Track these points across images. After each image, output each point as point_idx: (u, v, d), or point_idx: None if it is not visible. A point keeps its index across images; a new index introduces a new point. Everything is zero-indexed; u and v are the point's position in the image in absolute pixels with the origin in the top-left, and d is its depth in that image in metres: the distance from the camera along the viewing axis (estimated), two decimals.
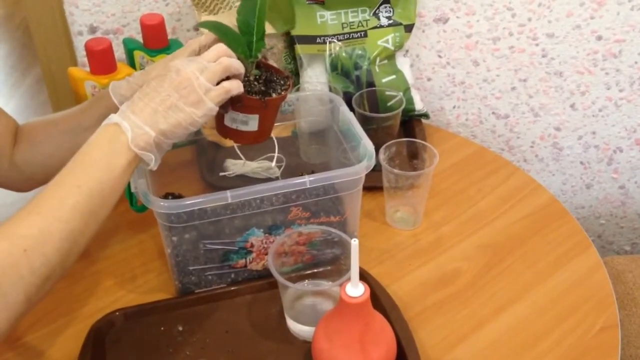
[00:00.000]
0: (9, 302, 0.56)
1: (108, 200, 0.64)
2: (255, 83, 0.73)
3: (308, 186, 0.76)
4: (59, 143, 0.77)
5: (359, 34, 1.06)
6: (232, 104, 0.71)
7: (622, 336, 0.90)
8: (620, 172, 1.26)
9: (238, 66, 0.69)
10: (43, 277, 0.58)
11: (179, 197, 0.87)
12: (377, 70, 1.07)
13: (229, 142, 0.83)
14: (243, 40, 0.72)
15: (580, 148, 1.23)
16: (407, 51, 1.11)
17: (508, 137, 1.24)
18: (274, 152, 0.95)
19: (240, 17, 0.73)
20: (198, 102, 0.66)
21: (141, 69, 0.92)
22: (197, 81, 0.65)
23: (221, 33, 0.72)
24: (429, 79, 1.19)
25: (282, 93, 0.73)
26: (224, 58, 0.68)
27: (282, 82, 0.75)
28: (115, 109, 0.72)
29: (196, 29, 1.14)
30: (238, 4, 1.04)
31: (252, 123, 0.73)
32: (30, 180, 0.81)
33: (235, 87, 0.68)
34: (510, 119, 1.21)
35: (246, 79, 0.72)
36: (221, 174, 0.96)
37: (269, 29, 1.04)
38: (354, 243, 0.62)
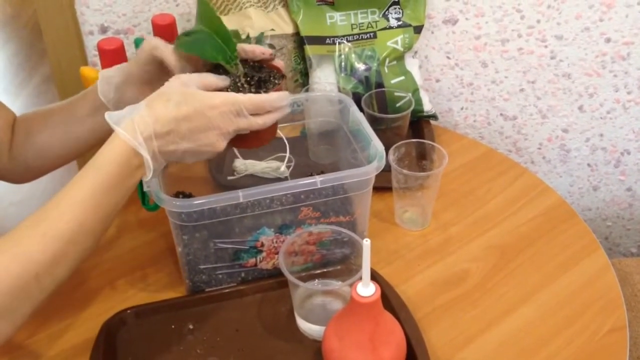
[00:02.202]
0: (16, 317, 0.60)
1: (114, 215, 0.67)
2: (246, 85, 0.71)
3: (319, 186, 0.76)
4: (54, 133, 0.79)
5: (368, 35, 1.07)
6: None
7: (629, 338, 0.90)
8: (627, 175, 1.26)
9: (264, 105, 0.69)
10: (50, 292, 0.62)
11: (190, 196, 0.88)
12: (386, 71, 1.07)
13: None
14: (222, 46, 0.70)
15: (588, 150, 1.23)
16: (416, 52, 1.11)
17: (516, 138, 1.24)
18: (283, 153, 0.95)
19: (205, 26, 0.72)
20: (216, 144, 0.68)
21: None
22: (226, 134, 0.68)
23: (198, 50, 0.70)
24: (437, 80, 1.19)
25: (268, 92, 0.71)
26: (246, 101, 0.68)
27: (275, 81, 0.73)
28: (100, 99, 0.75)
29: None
30: (249, 4, 1.05)
31: None
32: (28, 171, 0.83)
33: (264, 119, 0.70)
34: (518, 120, 1.22)
35: (235, 82, 0.71)
36: (229, 177, 0.97)
37: (278, 29, 1.05)
38: (366, 243, 0.63)
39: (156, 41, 0.73)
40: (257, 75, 0.73)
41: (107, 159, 0.64)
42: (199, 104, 0.65)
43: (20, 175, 0.83)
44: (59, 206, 0.62)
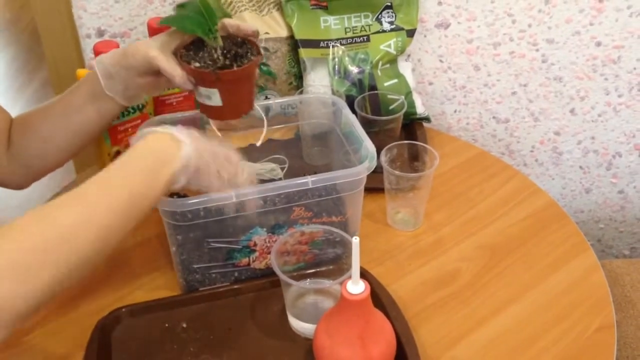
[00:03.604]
0: (33, 283, 0.55)
1: (145, 206, 0.64)
2: (221, 58, 0.75)
3: (310, 186, 0.77)
4: (53, 126, 0.79)
5: (361, 38, 1.08)
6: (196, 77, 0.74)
7: (618, 337, 0.92)
8: (619, 177, 1.27)
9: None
10: (73, 266, 0.58)
11: (184, 196, 0.89)
12: (380, 74, 1.08)
13: (232, 142, 0.85)
14: (202, 20, 0.74)
15: (580, 153, 1.25)
16: (409, 56, 1.12)
17: (508, 141, 1.25)
18: (278, 154, 0.97)
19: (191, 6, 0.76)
20: (230, 184, 0.71)
21: None
22: (243, 171, 0.72)
23: (179, 24, 0.75)
24: (430, 83, 1.20)
25: (240, 66, 0.75)
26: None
27: (251, 57, 0.76)
28: (99, 86, 0.76)
29: None
30: (244, 8, 1.06)
31: (214, 98, 0.75)
32: (28, 171, 0.82)
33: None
34: (511, 123, 1.23)
35: (209, 54, 0.75)
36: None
37: (273, 32, 1.06)
38: (355, 241, 0.64)
39: (155, 52, 0.74)
40: (235, 49, 0.77)
41: (142, 149, 0.65)
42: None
43: (20, 176, 0.83)
44: (89, 185, 0.61)
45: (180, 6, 0.76)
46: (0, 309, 0.53)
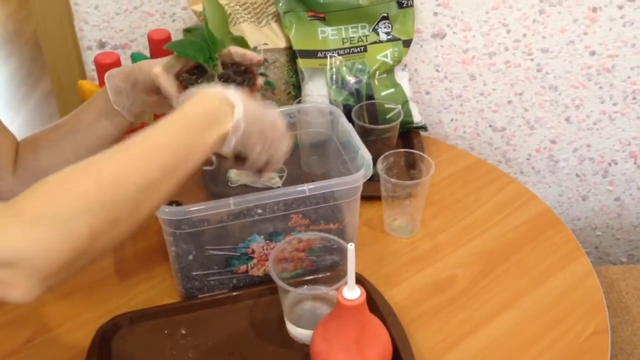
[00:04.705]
0: (70, 230, 0.53)
1: (190, 165, 0.62)
2: (219, 85, 0.76)
3: (307, 194, 0.78)
4: (62, 145, 0.80)
5: (358, 48, 1.10)
6: None
7: (614, 343, 0.93)
8: (615, 185, 1.28)
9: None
10: (112, 217, 0.56)
11: (180, 205, 0.90)
12: (377, 83, 1.10)
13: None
14: (205, 47, 0.76)
15: (576, 160, 1.26)
16: (405, 65, 1.14)
17: (505, 149, 1.27)
18: None
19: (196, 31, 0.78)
20: (269, 148, 0.71)
21: None
22: (284, 139, 0.72)
23: (182, 50, 0.76)
24: (427, 93, 1.22)
25: None
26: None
27: (247, 88, 0.78)
28: (110, 102, 0.76)
29: None
30: (242, 20, 1.08)
31: None
32: None
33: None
34: (507, 131, 1.24)
35: (207, 80, 0.76)
36: (230, 184, 0.99)
37: (271, 43, 1.08)
38: (350, 247, 0.65)
39: (159, 70, 0.75)
40: (234, 78, 0.78)
41: (192, 105, 0.64)
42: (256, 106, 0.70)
43: None
44: (133, 140, 0.60)
45: (187, 31, 0.78)
46: (41, 258, 0.51)
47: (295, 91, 1.12)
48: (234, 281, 0.84)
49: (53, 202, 0.53)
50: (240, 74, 0.79)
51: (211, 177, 1.00)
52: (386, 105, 1.07)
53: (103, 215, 0.55)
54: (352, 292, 0.66)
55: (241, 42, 0.81)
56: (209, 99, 0.65)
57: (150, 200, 0.59)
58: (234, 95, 0.66)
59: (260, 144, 0.70)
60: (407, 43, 1.11)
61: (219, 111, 0.65)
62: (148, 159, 0.59)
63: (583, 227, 1.34)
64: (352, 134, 0.87)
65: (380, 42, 1.10)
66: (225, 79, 0.77)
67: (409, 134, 1.12)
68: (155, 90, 0.77)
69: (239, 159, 0.73)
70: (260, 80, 0.79)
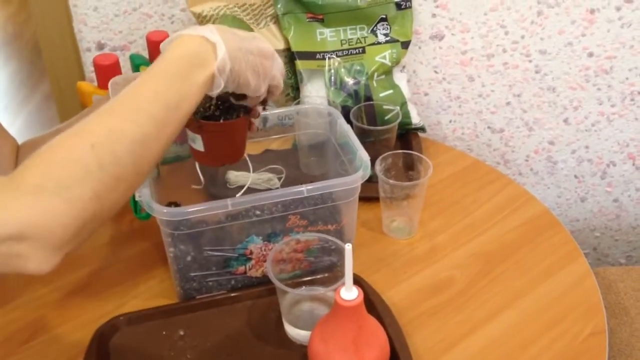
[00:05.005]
0: (73, 196, 0.53)
1: (182, 112, 0.61)
2: (212, 107, 0.75)
3: (305, 195, 0.78)
4: None
5: (357, 50, 1.10)
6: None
7: (612, 344, 0.93)
8: (614, 186, 1.28)
9: (277, 91, 0.72)
10: (113, 176, 0.55)
11: (179, 205, 0.90)
12: (375, 85, 1.10)
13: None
14: None
15: (574, 162, 1.26)
16: (404, 67, 1.14)
17: (503, 150, 1.27)
18: (275, 165, 0.98)
19: None
20: (263, 78, 0.68)
21: None
22: (275, 66, 0.69)
23: None
24: (425, 94, 1.22)
25: (226, 120, 0.75)
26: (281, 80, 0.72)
27: (240, 114, 0.76)
28: None
29: None
30: (241, 20, 1.08)
31: (198, 142, 0.75)
32: None
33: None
34: (505, 133, 1.24)
35: (204, 101, 0.73)
36: (228, 185, 0.99)
37: (270, 44, 1.08)
38: (348, 248, 0.65)
39: None
40: (229, 103, 0.76)
41: (174, 51, 0.62)
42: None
43: None
44: (120, 96, 0.59)
45: None
46: (50, 227, 0.51)
47: (294, 93, 1.12)
48: (232, 282, 0.84)
49: (51, 171, 0.53)
50: (239, 99, 0.77)
51: (210, 178, 1.01)
52: (385, 107, 1.07)
53: (104, 176, 0.54)
54: (350, 293, 0.67)
55: None
56: (189, 40, 0.63)
57: (149, 153, 0.59)
58: (213, 33, 0.64)
59: (253, 78, 0.68)
60: (405, 44, 1.11)
61: (201, 52, 0.63)
62: (139, 113, 0.58)
63: (581, 228, 1.34)
64: (351, 135, 0.87)
65: (379, 43, 1.10)
66: (222, 103, 0.76)
67: (408, 135, 1.13)
68: None
69: (240, 97, 0.71)
70: (259, 109, 0.78)
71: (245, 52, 0.67)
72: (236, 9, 1.07)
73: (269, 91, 0.72)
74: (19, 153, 0.82)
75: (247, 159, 0.86)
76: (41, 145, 0.80)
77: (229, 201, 0.76)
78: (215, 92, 0.66)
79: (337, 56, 1.09)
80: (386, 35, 1.11)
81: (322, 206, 0.82)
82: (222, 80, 0.64)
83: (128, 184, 0.58)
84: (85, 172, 0.54)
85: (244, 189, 0.87)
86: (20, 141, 0.86)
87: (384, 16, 1.10)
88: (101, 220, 0.56)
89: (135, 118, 0.58)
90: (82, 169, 0.54)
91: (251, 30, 0.78)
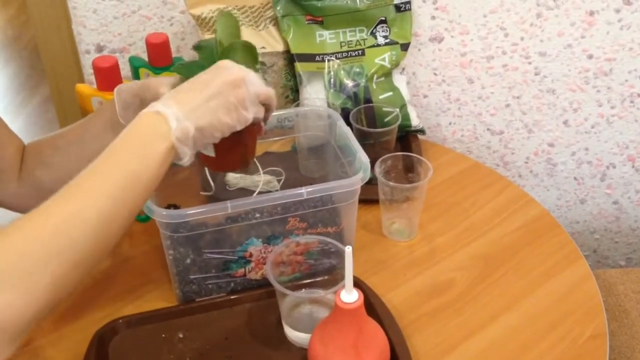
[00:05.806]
0: (33, 285, 0.53)
1: (144, 190, 0.62)
2: None
3: (305, 197, 0.78)
4: (67, 154, 0.79)
5: (356, 52, 1.10)
6: None
7: (612, 346, 0.92)
8: (613, 188, 1.28)
9: (273, 102, 0.70)
10: (72, 261, 0.55)
11: (178, 208, 0.90)
12: (375, 87, 1.10)
13: None
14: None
15: (574, 164, 1.26)
16: (403, 69, 1.14)
17: (503, 152, 1.27)
18: (275, 167, 0.98)
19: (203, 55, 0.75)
20: (242, 107, 0.66)
21: None
22: (251, 87, 0.66)
23: (189, 75, 0.72)
24: (425, 96, 1.22)
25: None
26: (269, 89, 0.70)
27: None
28: (116, 116, 0.75)
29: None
30: (240, 23, 1.08)
31: (209, 148, 0.73)
32: (39, 196, 0.82)
33: (262, 114, 0.70)
34: (505, 135, 1.24)
35: None
36: (227, 187, 0.99)
37: (269, 46, 1.08)
38: (348, 250, 0.65)
39: (165, 90, 0.73)
40: None
41: (131, 129, 0.63)
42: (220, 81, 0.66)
43: (31, 200, 0.81)
44: (82, 175, 0.59)
45: (197, 48, 0.76)
46: (8, 321, 0.51)
47: (293, 95, 1.12)
48: (232, 285, 0.84)
49: (7, 260, 0.53)
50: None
51: (209, 181, 1.00)
52: (384, 109, 1.07)
53: (62, 261, 0.54)
54: (349, 296, 0.66)
55: (251, 49, 0.78)
56: (145, 117, 0.64)
57: (110, 230, 0.59)
58: (166, 106, 0.64)
59: (230, 117, 0.65)
60: (405, 47, 1.11)
61: (156, 126, 0.63)
62: (95, 191, 0.58)
63: (581, 230, 1.34)
64: (350, 138, 0.87)
65: (378, 45, 1.10)
66: None
67: (407, 137, 1.12)
68: None
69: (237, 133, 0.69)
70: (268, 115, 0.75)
71: (207, 102, 0.65)
72: (235, 11, 1.07)
73: (265, 109, 0.71)
74: (24, 153, 0.82)
75: (256, 162, 0.85)
76: (46, 148, 0.81)
77: (228, 203, 0.76)
78: (185, 162, 0.65)
79: (337, 58, 1.09)
80: (385, 37, 1.11)
81: (322, 208, 0.82)
82: (186, 148, 0.64)
83: (87, 264, 0.58)
84: (44, 258, 0.54)
85: (257, 190, 0.85)
86: None
87: (384, 18, 1.10)
88: (58, 303, 0.56)
89: (94, 198, 0.58)
90: (41, 255, 0.53)
91: (240, 24, 0.76)
